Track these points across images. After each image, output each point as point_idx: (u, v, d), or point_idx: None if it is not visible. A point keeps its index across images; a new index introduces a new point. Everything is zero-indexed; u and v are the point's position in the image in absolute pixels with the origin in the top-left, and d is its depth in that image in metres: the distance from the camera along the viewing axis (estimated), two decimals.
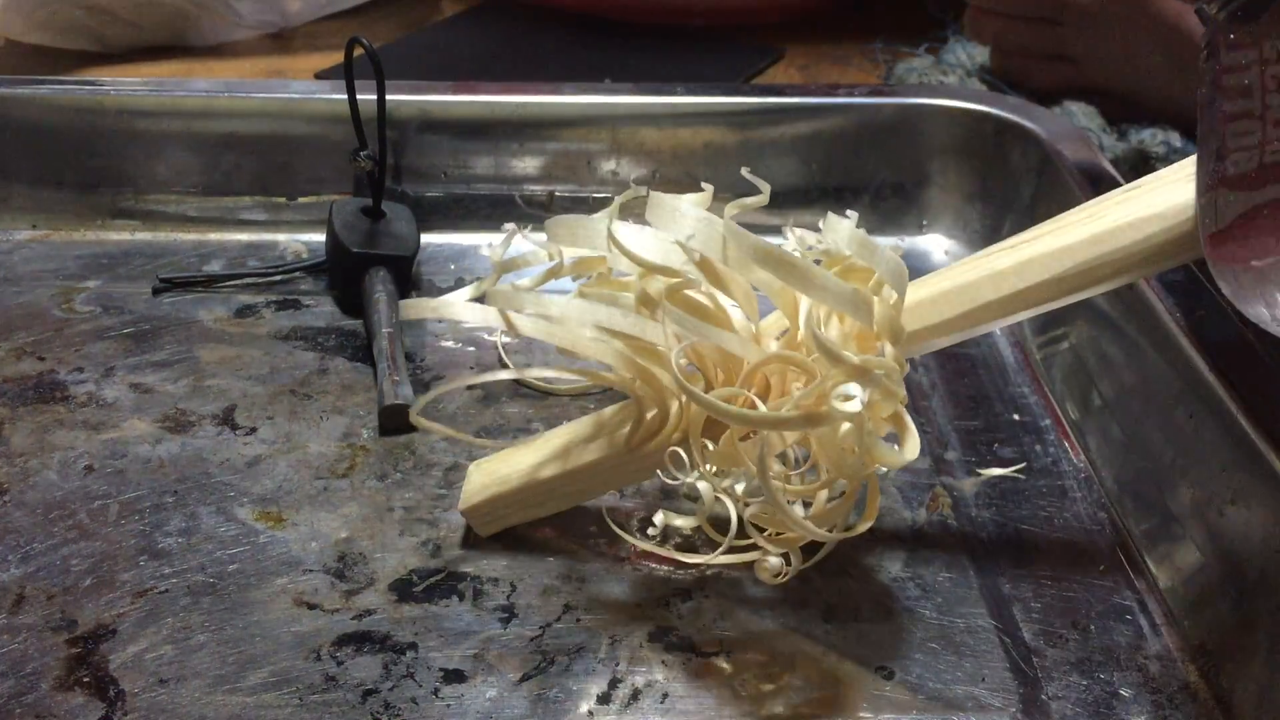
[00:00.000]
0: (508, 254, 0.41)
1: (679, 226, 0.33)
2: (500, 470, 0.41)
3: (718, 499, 0.36)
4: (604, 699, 0.35)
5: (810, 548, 0.38)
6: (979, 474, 0.45)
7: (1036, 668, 0.37)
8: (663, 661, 0.37)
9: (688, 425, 0.37)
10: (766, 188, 0.38)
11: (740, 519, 0.36)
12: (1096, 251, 0.35)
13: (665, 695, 0.36)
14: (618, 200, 0.38)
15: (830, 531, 0.36)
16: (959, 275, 0.37)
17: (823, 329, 0.35)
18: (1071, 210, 0.36)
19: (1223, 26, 0.36)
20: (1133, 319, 0.44)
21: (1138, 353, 0.43)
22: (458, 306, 0.40)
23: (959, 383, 0.50)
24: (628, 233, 0.34)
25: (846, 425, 0.33)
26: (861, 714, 0.35)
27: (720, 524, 0.37)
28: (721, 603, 0.39)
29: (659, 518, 0.37)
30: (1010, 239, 0.37)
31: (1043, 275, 0.35)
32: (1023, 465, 0.45)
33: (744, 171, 0.39)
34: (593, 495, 0.41)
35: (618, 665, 0.36)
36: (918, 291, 0.37)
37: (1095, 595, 0.40)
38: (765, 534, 0.37)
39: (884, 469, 0.38)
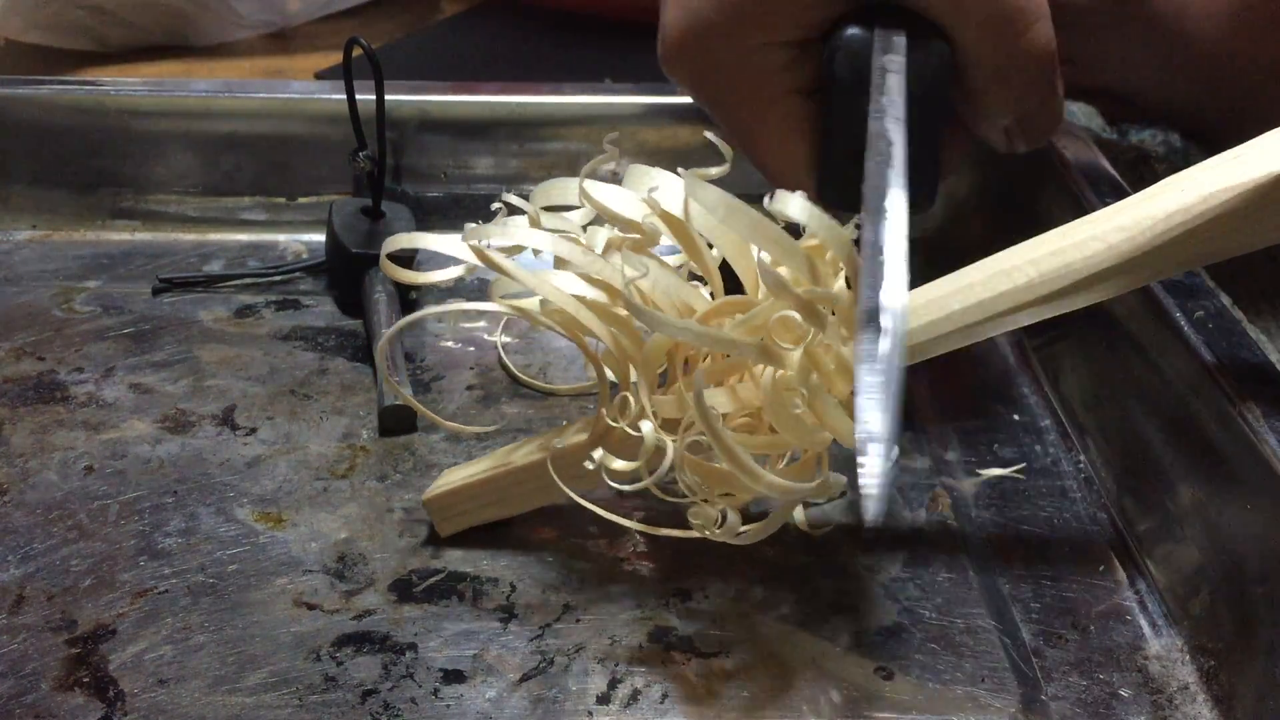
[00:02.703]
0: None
1: (648, 184, 0.36)
2: (467, 469, 0.41)
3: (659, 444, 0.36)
4: (603, 699, 0.35)
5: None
6: (979, 474, 0.45)
7: (1036, 668, 0.37)
8: (662, 662, 0.37)
9: (639, 411, 0.37)
10: (729, 152, 0.40)
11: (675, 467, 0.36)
12: (1060, 262, 0.34)
13: (665, 696, 0.36)
14: (594, 161, 0.40)
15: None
16: (932, 289, 0.37)
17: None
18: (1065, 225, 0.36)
19: None
20: (1133, 318, 0.44)
21: (1138, 352, 0.43)
22: (430, 238, 0.40)
23: (959, 383, 0.50)
24: (599, 188, 0.37)
25: (794, 388, 0.34)
26: (861, 714, 0.35)
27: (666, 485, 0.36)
28: (721, 603, 0.39)
29: (597, 454, 0.37)
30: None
31: (1008, 285, 0.35)
32: (1023, 466, 0.45)
33: (708, 134, 0.41)
34: (552, 496, 0.39)
35: (617, 666, 0.36)
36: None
37: (1095, 595, 0.40)
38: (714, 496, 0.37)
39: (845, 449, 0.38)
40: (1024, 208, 0.55)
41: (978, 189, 0.57)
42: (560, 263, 0.37)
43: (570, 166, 0.59)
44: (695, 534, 0.37)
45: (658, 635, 0.38)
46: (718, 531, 0.36)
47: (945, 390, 0.49)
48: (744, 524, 0.36)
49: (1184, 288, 0.42)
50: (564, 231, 0.39)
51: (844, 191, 0.41)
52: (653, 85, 0.59)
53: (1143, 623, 0.39)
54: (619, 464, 0.37)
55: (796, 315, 0.33)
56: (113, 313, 0.52)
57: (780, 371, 0.34)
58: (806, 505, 0.42)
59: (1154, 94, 0.64)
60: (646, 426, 0.36)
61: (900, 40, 0.38)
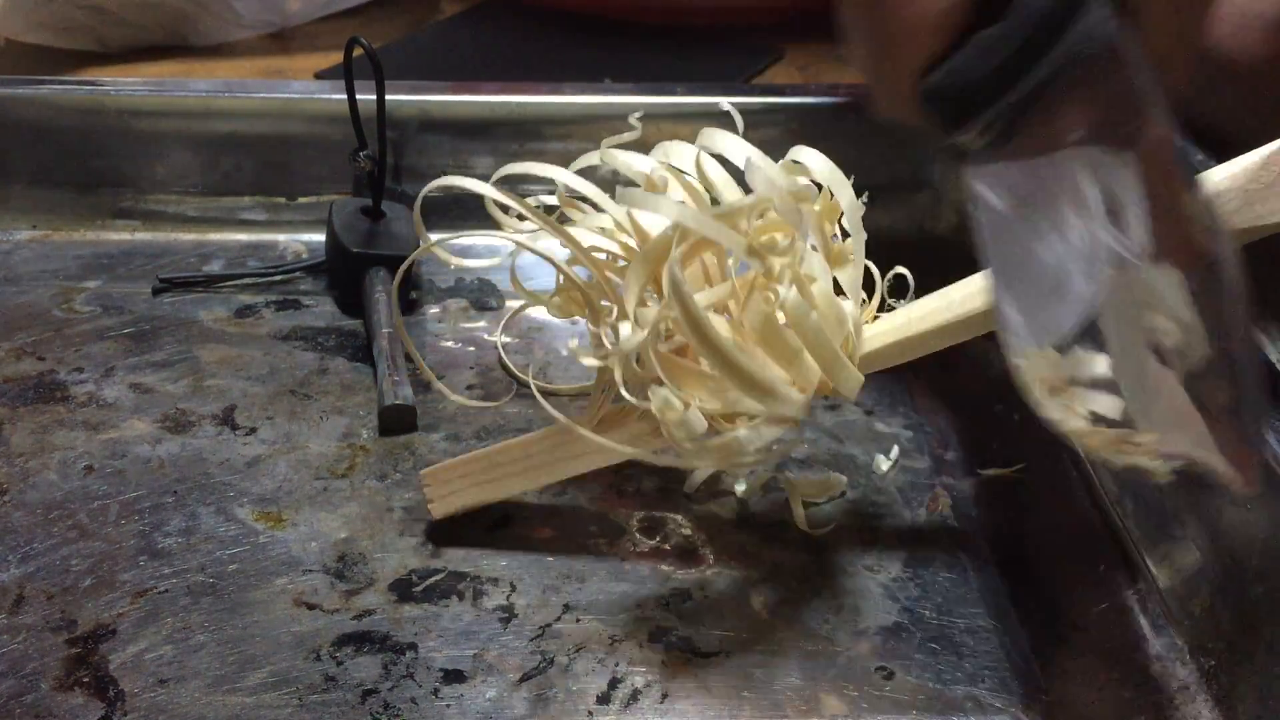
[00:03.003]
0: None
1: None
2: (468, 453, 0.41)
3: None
4: (603, 699, 0.35)
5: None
6: (979, 474, 0.45)
7: (1036, 667, 0.37)
8: (662, 662, 0.37)
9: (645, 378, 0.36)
10: (638, 127, 0.41)
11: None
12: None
13: (665, 695, 0.36)
14: (617, 136, 0.42)
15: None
16: (916, 306, 0.39)
17: None
18: None
19: (979, 154, 0.39)
20: None
21: None
22: (469, 182, 0.40)
23: (959, 383, 0.50)
24: (619, 154, 0.41)
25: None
26: (861, 715, 0.35)
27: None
28: (721, 603, 0.39)
29: (573, 343, 0.37)
30: None
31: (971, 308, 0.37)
32: (1022, 465, 0.45)
33: (724, 105, 0.43)
34: (551, 474, 0.40)
35: (617, 665, 0.36)
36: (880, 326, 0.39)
37: (1095, 595, 0.40)
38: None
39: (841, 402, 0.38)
40: None
41: None
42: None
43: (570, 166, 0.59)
44: (652, 453, 0.36)
45: (658, 635, 0.38)
46: (675, 427, 0.35)
47: (946, 390, 0.49)
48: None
49: None
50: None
51: (955, 105, 0.40)
52: (653, 85, 0.59)
53: (1143, 622, 0.39)
54: (589, 360, 0.37)
55: (777, 214, 0.35)
56: (113, 313, 0.52)
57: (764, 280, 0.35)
58: (807, 505, 0.42)
59: (1188, 106, 0.63)
60: (625, 328, 0.36)
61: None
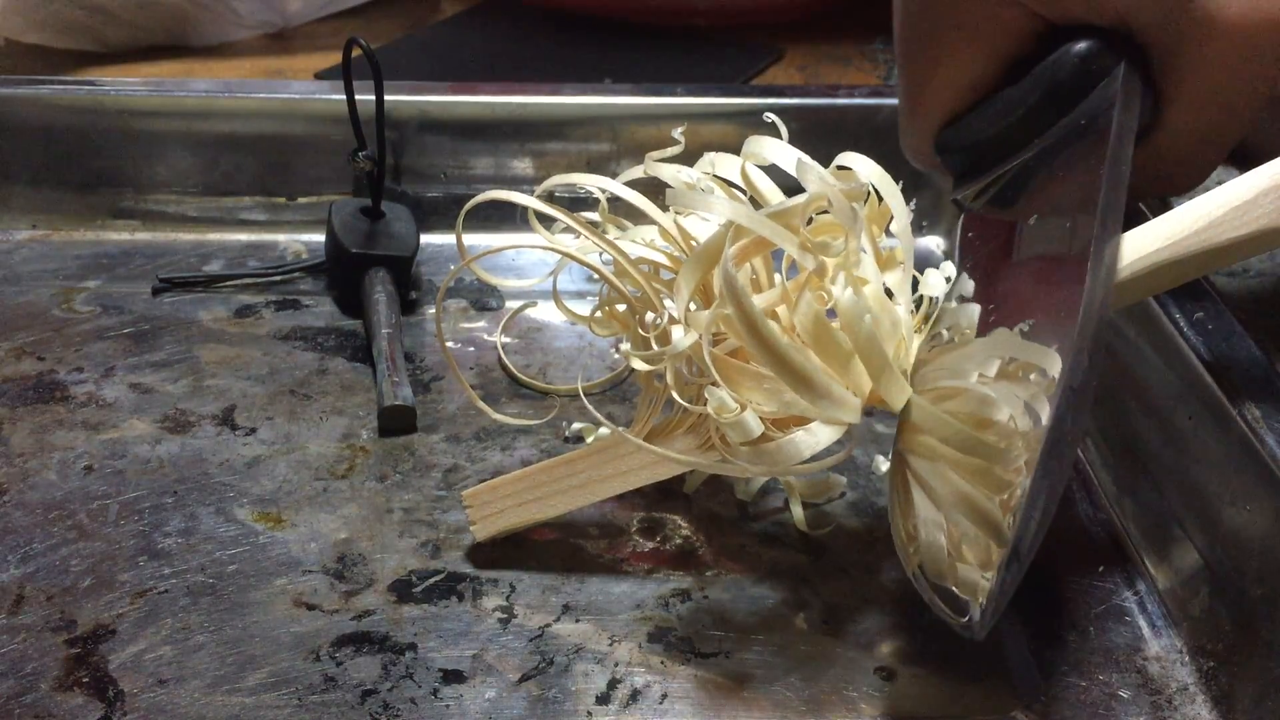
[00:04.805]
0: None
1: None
2: (511, 473, 0.41)
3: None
4: (603, 699, 0.35)
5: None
6: None
7: (1035, 669, 0.37)
8: (662, 662, 0.37)
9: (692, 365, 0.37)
10: (682, 141, 0.41)
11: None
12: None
13: (664, 696, 0.36)
14: (661, 151, 0.41)
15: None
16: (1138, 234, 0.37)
17: None
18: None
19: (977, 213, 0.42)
20: (1131, 319, 0.44)
21: (1137, 353, 0.43)
22: (514, 195, 0.40)
23: None
24: (664, 167, 0.40)
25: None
26: (861, 715, 0.35)
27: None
28: (721, 604, 0.39)
29: (625, 346, 0.37)
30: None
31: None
32: None
33: (768, 116, 0.41)
34: (596, 493, 0.40)
35: (617, 666, 0.36)
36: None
37: (1094, 596, 0.40)
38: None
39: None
40: None
41: None
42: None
43: (570, 166, 0.59)
44: (702, 462, 0.37)
45: (657, 636, 0.38)
46: (731, 429, 0.34)
47: None
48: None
49: (1182, 289, 0.42)
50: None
51: (964, 158, 0.41)
52: (653, 85, 0.60)
53: (1142, 623, 0.39)
54: (641, 364, 0.37)
55: (831, 214, 0.34)
56: (113, 313, 0.52)
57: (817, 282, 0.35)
58: (807, 506, 0.42)
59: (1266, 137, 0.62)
60: (677, 331, 0.35)
61: (1135, 87, 0.37)
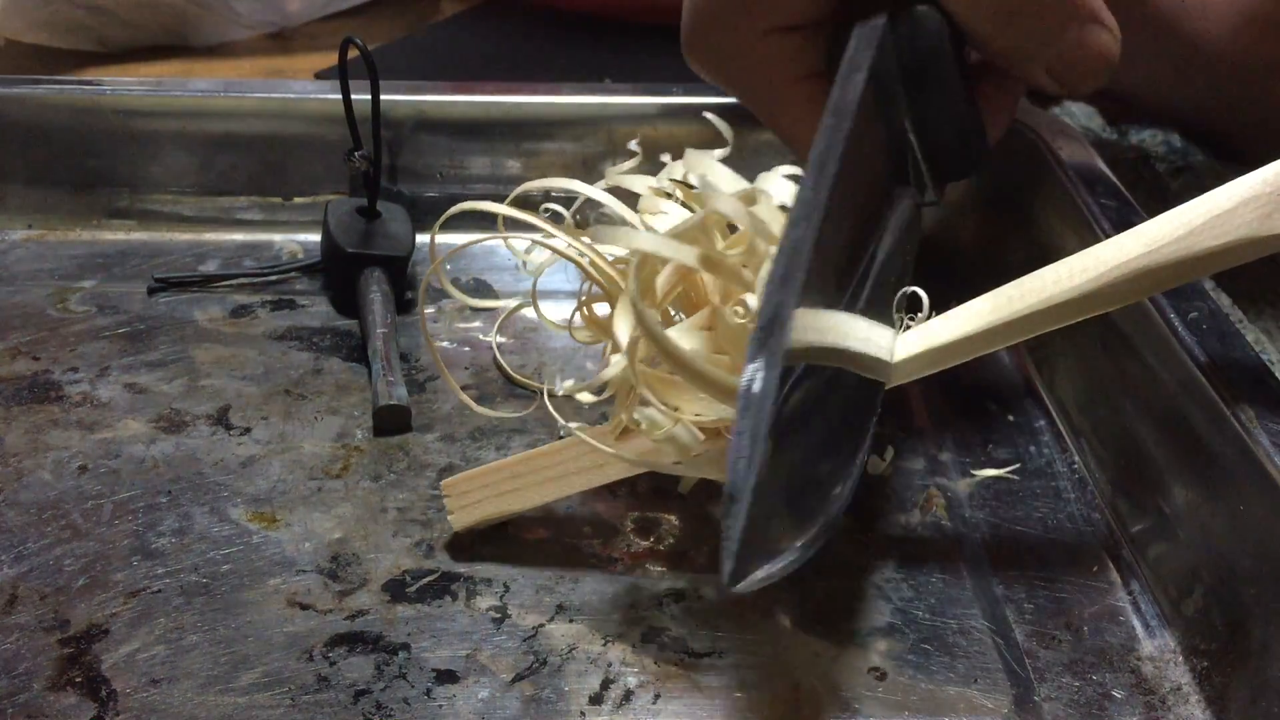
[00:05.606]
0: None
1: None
2: (489, 464, 0.41)
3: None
4: (596, 699, 0.35)
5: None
6: (973, 475, 0.45)
7: (1029, 669, 0.37)
8: (656, 662, 0.37)
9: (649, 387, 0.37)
10: (729, 134, 0.44)
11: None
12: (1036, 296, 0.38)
13: (658, 696, 0.36)
14: (622, 164, 0.44)
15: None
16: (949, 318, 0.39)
17: None
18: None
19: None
20: (1127, 319, 0.44)
21: (1132, 353, 0.43)
22: (486, 204, 0.42)
23: (953, 384, 0.49)
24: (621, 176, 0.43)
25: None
26: (854, 715, 0.35)
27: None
28: (715, 604, 0.39)
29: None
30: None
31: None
32: (1017, 466, 0.45)
33: (707, 115, 0.45)
34: (573, 485, 0.40)
35: (610, 666, 0.36)
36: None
37: (1088, 596, 0.40)
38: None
39: None
40: (1019, 209, 0.55)
41: (972, 190, 0.57)
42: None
43: (568, 167, 0.59)
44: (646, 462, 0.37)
45: (651, 636, 0.38)
46: (664, 443, 0.35)
47: (939, 391, 0.49)
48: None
49: (1178, 289, 0.42)
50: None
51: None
52: (652, 85, 0.59)
53: (1136, 624, 0.39)
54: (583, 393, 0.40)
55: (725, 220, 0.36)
56: (108, 312, 0.52)
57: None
58: None
59: (1158, 95, 0.63)
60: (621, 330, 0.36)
61: (874, 28, 0.38)
